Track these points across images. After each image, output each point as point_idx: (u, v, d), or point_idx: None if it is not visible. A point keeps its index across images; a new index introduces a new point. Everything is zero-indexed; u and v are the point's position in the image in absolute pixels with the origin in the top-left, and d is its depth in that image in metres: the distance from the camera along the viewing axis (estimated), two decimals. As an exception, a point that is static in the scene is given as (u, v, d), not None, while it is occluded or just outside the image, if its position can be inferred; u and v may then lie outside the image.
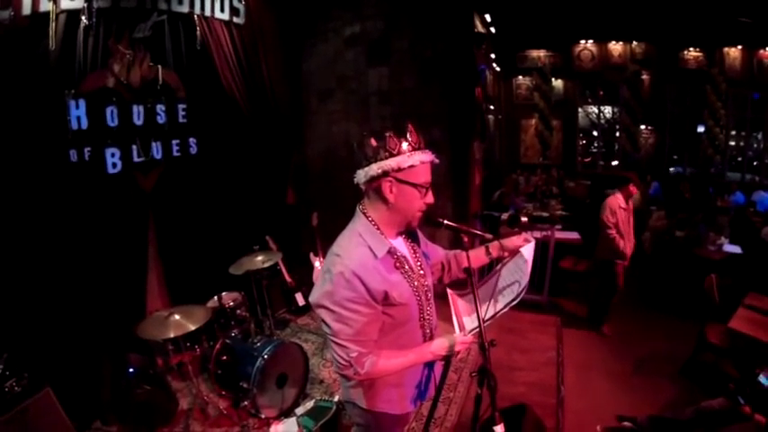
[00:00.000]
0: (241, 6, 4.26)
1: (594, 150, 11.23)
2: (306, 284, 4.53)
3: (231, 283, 3.70)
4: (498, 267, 1.73)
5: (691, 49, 9.28)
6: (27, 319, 2.77)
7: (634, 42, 9.60)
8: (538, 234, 4.72)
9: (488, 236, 1.68)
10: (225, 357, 3.18)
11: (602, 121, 10.85)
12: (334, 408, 2.73)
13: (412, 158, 1.37)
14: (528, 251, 1.64)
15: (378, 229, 1.44)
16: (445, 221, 1.55)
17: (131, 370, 2.96)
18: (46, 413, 2.42)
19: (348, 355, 1.36)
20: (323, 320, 1.39)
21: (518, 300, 1.59)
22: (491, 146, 10.02)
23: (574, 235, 5.25)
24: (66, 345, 2.92)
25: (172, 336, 2.70)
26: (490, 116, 9.63)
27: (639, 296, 5.00)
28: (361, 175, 1.40)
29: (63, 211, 3.05)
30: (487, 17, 7.97)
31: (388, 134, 1.37)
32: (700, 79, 9.08)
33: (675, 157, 10.17)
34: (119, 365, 3.01)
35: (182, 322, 2.76)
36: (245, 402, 2.93)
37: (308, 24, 5.23)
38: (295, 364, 3.19)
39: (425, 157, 1.41)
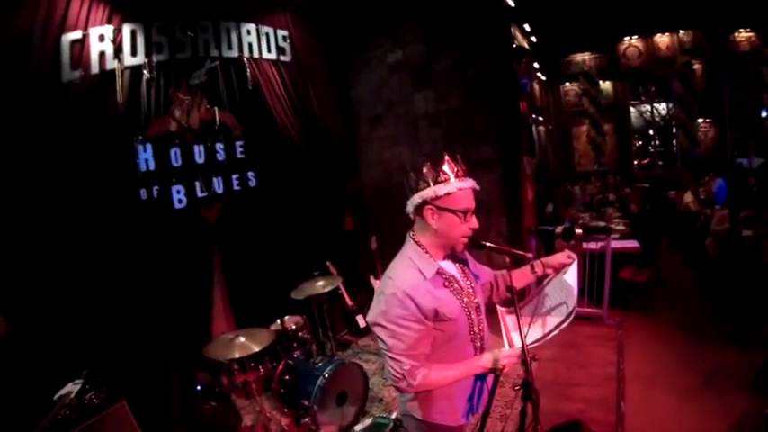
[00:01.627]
0: (287, 45, 4.58)
1: (652, 151, 10.65)
2: (366, 307, 4.61)
3: (293, 308, 3.89)
4: (543, 284, 1.77)
5: (741, 30, 8.59)
6: (106, 339, 3.10)
7: (681, 32, 9.05)
8: (594, 245, 4.58)
9: (529, 255, 1.73)
10: (287, 377, 3.35)
11: (657, 119, 10.29)
12: (392, 424, 2.79)
13: (448, 186, 1.49)
14: (571, 275, 1.67)
15: (426, 252, 1.55)
16: (487, 244, 1.63)
17: (199, 387, 3.18)
18: (120, 423, 2.63)
19: (402, 368, 1.47)
20: (378, 337, 1.52)
21: (567, 322, 1.62)
22: (544, 158, 9.80)
23: (632, 243, 5.02)
24: (140, 364, 3.21)
25: (237, 356, 2.89)
26: (541, 127, 9.43)
27: (708, 304, 4.67)
28: (409, 206, 1.57)
29: (136, 243, 3.41)
30: (527, 27, 7.93)
31: (425, 166, 1.52)
32: (755, 61, 8.43)
33: (736, 153, 9.39)
34: (187, 383, 3.25)
35: (246, 344, 2.95)
36: (306, 419, 3.04)
37: (352, 54, 5.49)
38: (355, 382, 3.29)
39: (463, 184, 1.52)
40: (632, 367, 3.63)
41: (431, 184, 1.50)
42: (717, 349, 3.77)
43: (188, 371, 3.36)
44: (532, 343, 1.61)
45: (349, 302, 4.71)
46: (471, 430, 2.65)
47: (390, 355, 1.48)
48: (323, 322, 4.05)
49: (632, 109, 10.27)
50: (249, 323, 3.41)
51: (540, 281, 1.81)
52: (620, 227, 5.71)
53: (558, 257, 1.73)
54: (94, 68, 3.28)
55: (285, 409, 3.32)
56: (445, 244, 1.57)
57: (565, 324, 1.61)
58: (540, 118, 9.16)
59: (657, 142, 10.46)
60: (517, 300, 1.56)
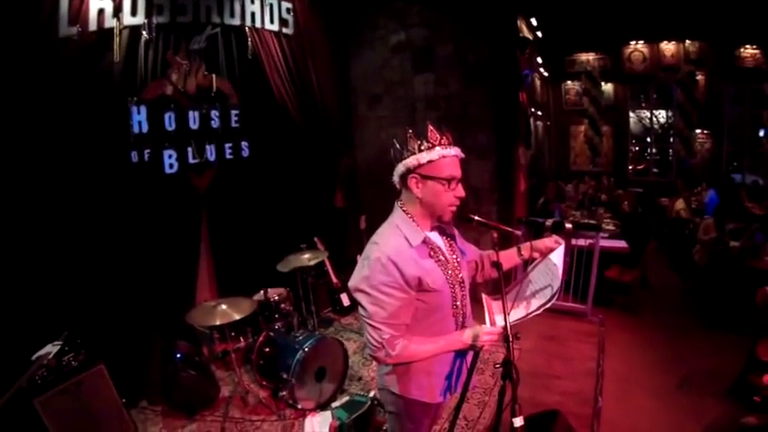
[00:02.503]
0: (290, 17, 4.48)
1: (648, 157, 10.70)
2: None
3: (278, 280, 3.87)
4: (529, 269, 1.76)
5: (747, 46, 8.59)
6: (87, 302, 3.05)
7: (687, 41, 9.03)
8: (582, 242, 4.60)
9: (517, 232, 1.73)
10: (267, 349, 3.34)
11: (656, 126, 10.32)
12: (369, 403, 2.80)
13: (431, 154, 1.48)
14: (557, 256, 1.66)
15: (413, 221, 1.54)
16: (476, 218, 1.61)
17: (179, 356, 3.17)
18: (98, 387, 2.66)
19: (381, 336, 1.45)
20: (359, 304, 1.49)
21: (550, 303, 1.61)
22: (540, 153, 9.80)
23: (621, 243, 5.05)
24: (121, 328, 3.19)
25: (218, 323, 2.88)
26: (539, 123, 9.41)
27: (691, 310, 4.73)
28: (395, 176, 1.56)
29: (124, 205, 3.34)
30: (533, 21, 7.86)
31: (408, 135, 1.51)
32: (758, 78, 8.47)
33: (735, 164, 9.48)
34: (167, 351, 3.24)
35: (228, 312, 2.94)
36: (284, 393, 3.06)
37: (355, 33, 5.44)
38: (335, 359, 3.29)
39: (447, 151, 1.50)
40: (611, 364, 3.67)
41: (415, 152, 1.49)
42: (696, 354, 3.82)
43: (169, 338, 3.34)
44: (515, 321, 1.60)
45: (334, 280, 4.69)
46: (448, 412, 2.68)
47: (370, 322, 1.46)
48: (306, 296, 4.04)
49: (632, 114, 10.29)
50: (233, 293, 3.38)
51: (527, 264, 1.81)
52: (610, 227, 5.74)
53: (546, 242, 1.72)
54: (92, 25, 3.16)
55: (264, 382, 3.32)
56: (431, 213, 1.55)
57: (549, 304, 1.60)
58: (540, 113, 9.13)
59: (654, 150, 10.51)
60: (502, 277, 1.55)
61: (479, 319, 1.71)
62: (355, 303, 1.54)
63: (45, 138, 2.94)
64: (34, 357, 2.46)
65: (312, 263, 3.79)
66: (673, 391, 3.33)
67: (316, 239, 4.43)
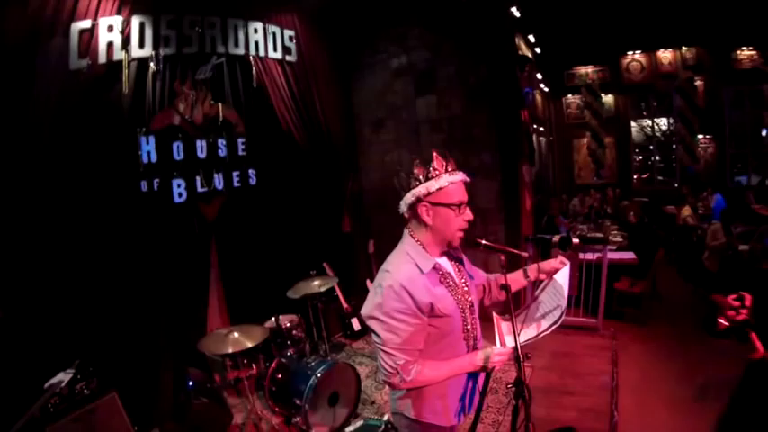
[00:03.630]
0: (293, 45, 4.60)
1: (651, 165, 10.70)
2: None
3: (289, 307, 3.89)
4: (537, 291, 1.78)
5: (743, 48, 8.69)
6: (99, 330, 3.09)
7: (684, 48, 9.14)
8: (590, 256, 4.60)
9: (524, 254, 1.75)
10: (280, 376, 3.33)
11: (658, 135, 10.35)
12: (383, 426, 2.76)
13: (439, 181, 1.50)
14: (562, 276, 1.68)
15: (423, 248, 1.56)
16: (483, 242, 1.63)
17: (191, 383, 3.16)
18: (111, 415, 2.65)
19: (395, 362, 1.47)
20: (373, 331, 1.51)
21: (559, 323, 1.62)
22: (544, 169, 9.84)
23: (629, 255, 5.04)
24: (133, 356, 3.21)
25: (230, 351, 2.88)
26: (542, 138, 9.49)
27: (703, 318, 4.67)
28: (402, 205, 1.58)
29: (135, 234, 3.40)
30: (531, 38, 7.99)
31: (415, 165, 1.54)
32: (757, 79, 8.53)
33: (740, 165, 9.45)
34: (179, 379, 3.24)
35: (240, 339, 2.94)
36: (297, 419, 3.03)
37: (357, 58, 5.53)
38: (348, 384, 3.27)
39: (454, 177, 1.53)
40: (626, 377, 3.63)
41: (422, 180, 1.52)
42: (712, 362, 3.75)
43: (181, 366, 3.35)
44: (525, 342, 1.61)
45: (344, 305, 4.70)
46: (462, 433, 2.66)
47: (384, 349, 1.48)
48: (317, 322, 4.04)
49: (633, 124, 10.33)
50: (244, 320, 3.39)
51: (536, 285, 1.82)
52: (618, 239, 5.72)
53: (552, 263, 1.74)
54: (102, 58, 3.29)
55: (276, 408, 3.30)
56: (441, 240, 1.57)
57: (557, 324, 1.62)
58: (542, 129, 9.20)
59: (658, 158, 10.51)
60: (511, 300, 1.57)
61: (490, 339, 1.73)
62: (366, 328, 1.57)
63: (57, 169, 3.03)
64: (47, 386, 2.47)
65: (322, 289, 3.81)
66: (690, 401, 3.28)
67: (325, 265, 4.45)
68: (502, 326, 1.78)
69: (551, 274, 1.72)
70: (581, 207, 8.36)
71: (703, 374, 3.58)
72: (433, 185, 1.50)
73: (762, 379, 1.82)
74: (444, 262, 1.62)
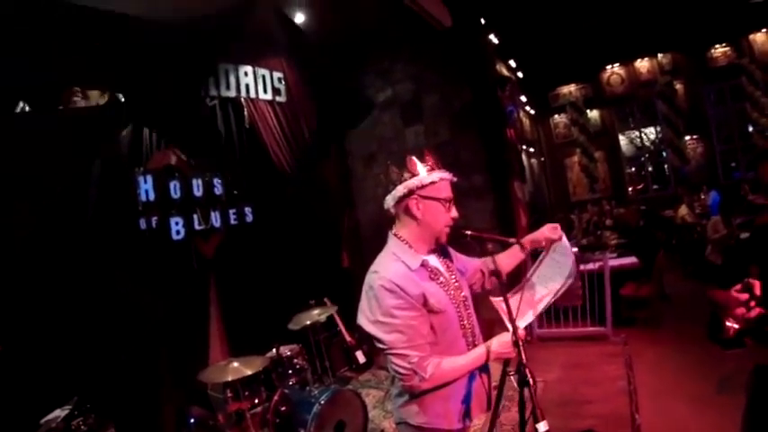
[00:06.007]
0: (282, 86, 4.78)
1: (644, 175, 10.80)
2: (365, 343, 4.51)
3: (291, 340, 3.82)
4: (536, 265, 1.84)
5: (717, 45, 9.04)
6: (98, 366, 3.03)
7: (659, 54, 9.48)
8: (592, 265, 4.57)
9: (511, 240, 1.76)
10: (284, 408, 3.23)
11: (647, 144, 10.50)
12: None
13: (432, 176, 1.53)
14: (562, 249, 1.75)
15: (410, 246, 1.56)
16: (469, 232, 1.64)
17: (192, 420, 3.09)
18: None
19: (409, 362, 1.40)
20: (376, 338, 1.46)
21: (572, 277, 1.70)
22: (539, 190, 9.93)
23: (631, 259, 5.00)
24: (132, 393, 3.14)
25: (230, 379, 2.82)
26: (533, 160, 9.64)
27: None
28: (390, 200, 1.57)
29: (134, 271, 3.41)
30: (512, 63, 8.28)
31: (408, 158, 1.57)
32: (734, 74, 8.81)
33: (733, 164, 9.52)
34: (180, 416, 3.17)
35: (239, 368, 2.89)
36: (304, 450, 2.93)
37: (344, 95, 5.64)
38: (354, 412, 3.16)
39: (444, 174, 1.57)
40: (642, 380, 3.53)
41: (415, 174, 1.53)
42: (730, 356, 3.66)
43: (182, 404, 3.28)
44: (544, 307, 1.72)
45: (348, 338, 4.61)
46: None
47: (393, 351, 1.42)
48: (320, 354, 3.97)
49: (621, 136, 10.51)
50: (245, 354, 3.35)
51: (536, 256, 1.86)
52: (618, 242, 5.71)
53: (544, 231, 1.75)
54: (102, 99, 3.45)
55: (282, 442, 3.20)
56: (430, 235, 1.57)
57: (571, 278, 1.69)
58: (532, 150, 9.36)
59: (650, 168, 10.62)
60: (506, 282, 1.61)
61: (501, 324, 1.68)
62: (372, 359, 1.54)
63: (55, 206, 3.09)
64: (42, 422, 2.43)
65: (322, 317, 3.79)
66: (712, 395, 3.18)
67: (325, 300, 4.41)
68: (503, 308, 1.77)
69: (547, 242, 1.75)
70: (579, 223, 8.39)
71: (722, 368, 3.46)
72: (426, 179, 1.52)
73: None
74: (432, 259, 1.62)
